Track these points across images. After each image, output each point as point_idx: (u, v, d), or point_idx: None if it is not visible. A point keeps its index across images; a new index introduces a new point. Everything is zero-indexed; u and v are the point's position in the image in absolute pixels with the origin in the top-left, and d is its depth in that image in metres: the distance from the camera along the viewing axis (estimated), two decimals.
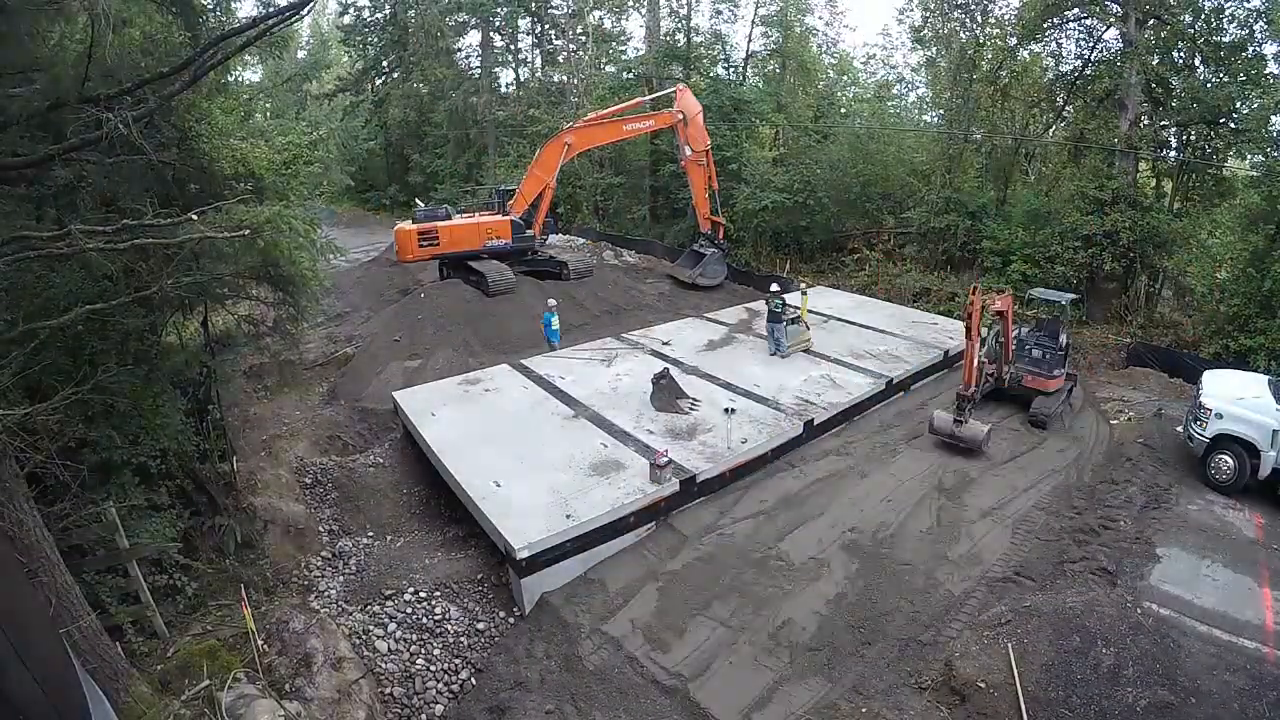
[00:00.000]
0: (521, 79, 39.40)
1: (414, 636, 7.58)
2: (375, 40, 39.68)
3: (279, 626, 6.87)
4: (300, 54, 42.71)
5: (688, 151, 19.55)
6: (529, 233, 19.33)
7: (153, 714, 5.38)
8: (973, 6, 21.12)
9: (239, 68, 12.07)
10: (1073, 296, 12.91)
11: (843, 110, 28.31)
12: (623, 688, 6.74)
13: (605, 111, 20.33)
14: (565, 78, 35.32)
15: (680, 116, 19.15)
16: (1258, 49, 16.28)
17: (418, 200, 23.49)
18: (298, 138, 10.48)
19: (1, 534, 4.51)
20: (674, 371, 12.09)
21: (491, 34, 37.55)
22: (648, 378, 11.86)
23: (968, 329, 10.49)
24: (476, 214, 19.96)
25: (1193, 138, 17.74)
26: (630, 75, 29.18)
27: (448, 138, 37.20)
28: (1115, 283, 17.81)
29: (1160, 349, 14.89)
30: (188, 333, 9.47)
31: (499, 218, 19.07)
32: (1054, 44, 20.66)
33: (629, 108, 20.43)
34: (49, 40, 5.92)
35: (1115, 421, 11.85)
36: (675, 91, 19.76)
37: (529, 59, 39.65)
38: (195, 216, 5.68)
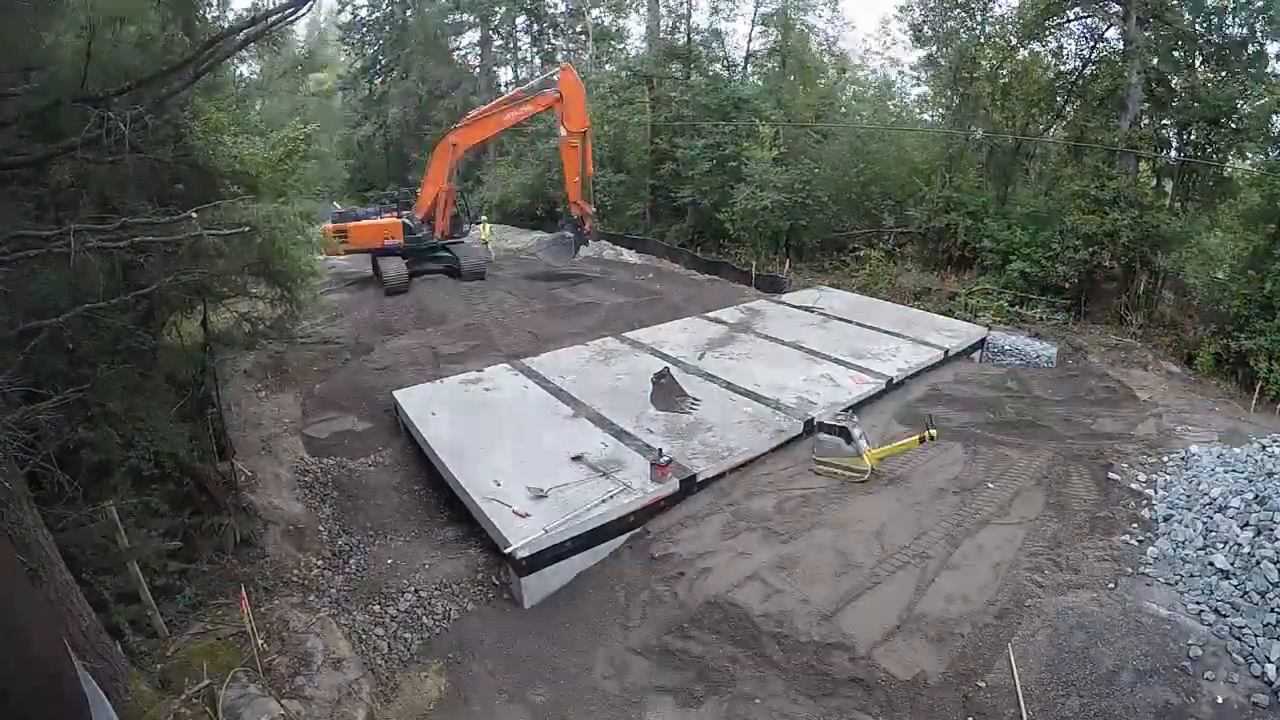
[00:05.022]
0: (520, 77, 39.36)
1: (414, 636, 7.58)
2: (374, 39, 39.64)
3: (279, 626, 6.87)
4: (298, 51, 42.63)
5: (562, 133, 19.37)
6: (422, 234, 20.18)
7: (153, 713, 5.38)
8: (973, 5, 21.09)
9: (234, 63, 12.04)
10: None
11: (842, 110, 28.28)
12: (624, 686, 6.74)
13: (484, 108, 20.57)
14: None
15: (558, 96, 18.76)
16: (1259, 47, 16.28)
17: (335, 204, 24.31)
18: (292, 131, 10.45)
19: (1, 534, 4.50)
20: (674, 371, 12.09)
21: (490, 32, 37.53)
22: (648, 377, 11.86)
23: None
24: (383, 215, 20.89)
25: (1193, 137, 17.73)
26: (629, 74, 29.12)
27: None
28: (1115, 282, 17.83)
29: None
30: (186, 332, 9.46)
31: (393, 219, 20.08)
32: (1054, 43, 20.66)
33: (507, 100, 20.32)
34: (46, 39, 5.89)
35: None
36: (559, 71, 19.45)
37: (528, 57, 39.65)
38: (195, 215, 5.68)
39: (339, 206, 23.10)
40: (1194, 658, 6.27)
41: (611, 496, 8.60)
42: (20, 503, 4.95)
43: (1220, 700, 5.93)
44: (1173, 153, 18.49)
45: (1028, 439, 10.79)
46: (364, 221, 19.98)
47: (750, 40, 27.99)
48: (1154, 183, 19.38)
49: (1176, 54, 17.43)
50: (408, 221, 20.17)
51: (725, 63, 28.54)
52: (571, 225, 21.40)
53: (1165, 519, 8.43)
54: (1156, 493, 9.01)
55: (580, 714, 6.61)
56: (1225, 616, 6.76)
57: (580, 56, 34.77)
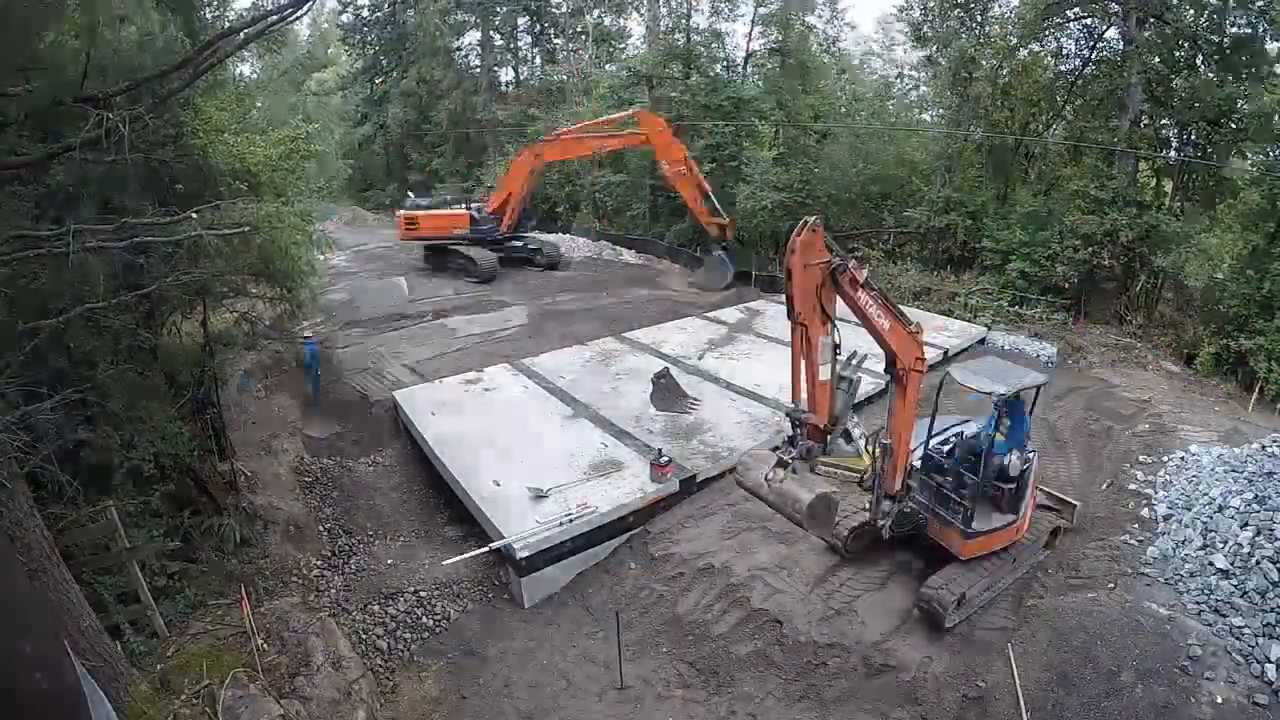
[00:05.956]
0: (521, 78, 39.37)
1: (414, 636, 7.58)
2: (374, 39, 39.68)
3: (279, 625, 6.86)
4: (301, 52, 42.72)
5: (664, 167, 20.20)
6: (487, 225, 21.48)
7: (153, 713, 5.38)
8: (973, 5, 21.08)
9: (234, 63, 12.03)
10: (1044, 380, 8.00)
11: (843, 110, 28.26)
12: (625, 686, 6.74)
13: (572, 129, 21.54)
14: (565, 76, 35.29)
15: (643, 137, 20.07)
16: (1260, 47, 16.26)
17: (409, 192, 25.18)
18: (293, 130, 10.44)
19: (2, 534, 4.50)
20: (674, 371, 12.08)
21: (491, 33, 37.52)
22: (648, 378, 11.85)
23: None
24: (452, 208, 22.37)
25: (1193, 137, 17.73)
26: (629, 74, 29.11)
27: (447, 136, 37.16)
28: (1115, 282, 17.80)
29: None
30: (186, 332, 9.45)
31: (460, 211, 21.70)
32: (1054, 43, 20.64)
33: (602, 123, 21.27)
34: (46, 39, 5.89)
35: None
36: (635, 116, 20.50)
37: (529, 57, 39.65)
38: (195, 215, 5.68)
39: (337, 208, 24.02)
40: (1194, 658, 6.28)
41: (575, 520, 8.24)
42: (20, 503, 4.95)
43: (1220, 700, 5.93)
44: (1173, 153, 18.47)
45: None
46: (433, 212, 21.51)
47: (750, 40, 27.98)
48: (1154, 183, 19.36)
49: (1177, 54, 17.42)
50: (474, 214, 21.47)
51: (726, 63, 28.51)
52: (718, 245, 21.21)
53: (1165, 519, 8.43)
54: (1156, 493, 9.01)
55: (580, 713, 6.61)
56: (1225, 616, 6.77)
57: (580, 56, 34.78)
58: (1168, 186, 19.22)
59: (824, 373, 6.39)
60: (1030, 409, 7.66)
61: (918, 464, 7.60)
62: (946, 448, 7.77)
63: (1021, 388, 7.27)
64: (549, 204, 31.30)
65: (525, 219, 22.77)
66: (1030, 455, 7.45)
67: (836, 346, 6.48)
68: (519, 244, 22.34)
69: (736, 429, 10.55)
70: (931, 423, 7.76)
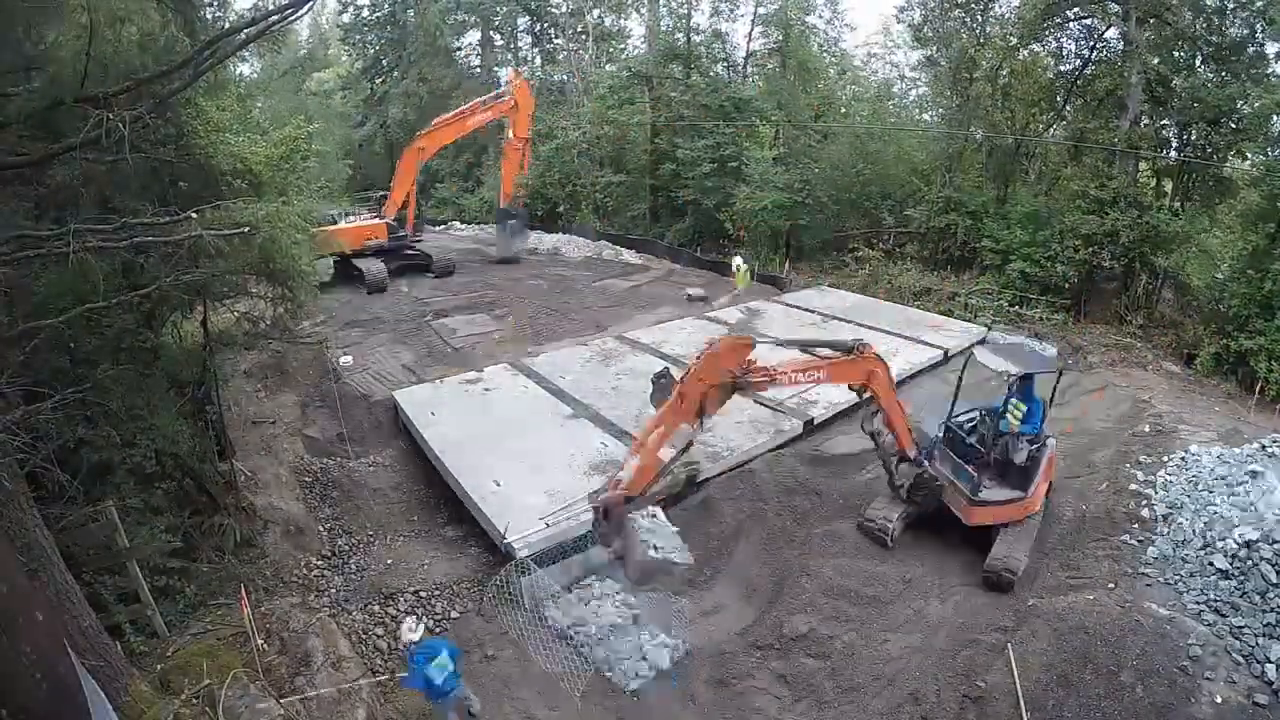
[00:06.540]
0: (523, 77, 39.35)
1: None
2: (375, 39, 39.68)
3: (279, 626, 6.87)
4: (301, 52, 42.70)
5: (509, 136, 21.26)
6: (402, 232, 21.21)
7: (152, 713, 5.37)
8: (973, 6, 21.09)
9: (235, 63, 12.04)
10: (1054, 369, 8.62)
11: (843, 110, 28.28)
12: (623, 686, 6.75)
13: (447, 115, 22.08)
14: (565, 76, 35.31)
15: (513, 103, 20.80)
16: (1259, 48, 16.29)
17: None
18: (294, 130, 10.44)
19: (2, 534, 4.50)
20: (674, 371, 12.05)
21: (491, 33, 37.55)
22: (648, 377, 11.83)
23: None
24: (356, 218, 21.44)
25: (1193, 137, 17.74)
26: (629, 74, 29.13)
27: None
28: (1115, 282, 17.81)
29: None
30: (186, 331, 9.45)
31: (376, 221, 20.58)
32: (1054, 43, 20.66)
33: (468, 109, 21.64)
34: (46, 38, 5.90)
35: None
36: (515, 81, 21.53)
37: (529, 57, 39.66)
38: (195, 215, 5.68)
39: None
40: (1194, 658, 6.28)
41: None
42: (20, 503, 4.95)
43: (1220, 700, 5.94)
44: (1173, 153, 18.48)
45: None
46: (343, 225, 19.81)
47: (750, 40, 27.98)
48: (1154, 183, 19.37)
49: (1177, 54, 17.43)
50: (392, 223, 20.80)
51: (726, 63, 28.52)
52: (512, 213, 23.02)
53: (1165, 519, 8.44)
54: (1156, 493, 9.01)
55: (581, 713, 6.61)
56: (1225, 616, 6.78)
57: (580, 56, 34.78)
58: (1168, 186, 19.23)
59: (666, 453, 6.81)
60: (1051, 398, 8.17)
61: (939, 435, 8.24)
62: (970, 424, 8.34)
63: (1031, 371, 8.10)
64: (549, 204, 31.29)
65: (417, 227, 22.73)
66: (1049, 442, 7.94)
67: (689, 445, 6.97)
68: (412, 252, 21.40)
69: (736, 429, 10.55)
70: (954, 402, 8.32)
